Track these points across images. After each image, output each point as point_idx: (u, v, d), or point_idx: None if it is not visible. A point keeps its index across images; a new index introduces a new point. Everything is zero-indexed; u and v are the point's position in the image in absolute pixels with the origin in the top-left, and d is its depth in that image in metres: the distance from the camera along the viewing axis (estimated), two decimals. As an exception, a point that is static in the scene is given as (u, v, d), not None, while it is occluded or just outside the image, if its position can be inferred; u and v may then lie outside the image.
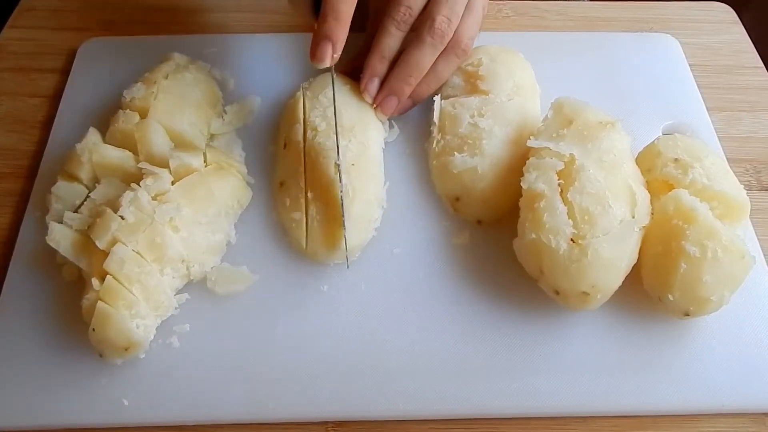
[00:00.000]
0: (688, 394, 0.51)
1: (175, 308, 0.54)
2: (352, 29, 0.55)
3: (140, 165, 0.56)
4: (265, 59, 0.71)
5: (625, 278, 0.52)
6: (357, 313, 0.55)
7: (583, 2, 0.81)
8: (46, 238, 0.53)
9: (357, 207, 0.56)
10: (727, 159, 0.63)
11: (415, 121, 0.65)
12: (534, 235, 0.52)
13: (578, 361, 0.52)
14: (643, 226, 0.52)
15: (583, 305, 0.52)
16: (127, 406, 0.50)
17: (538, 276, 0.53)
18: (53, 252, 0.54)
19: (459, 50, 0.61)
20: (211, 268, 0.56)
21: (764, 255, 0.58)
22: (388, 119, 0.64)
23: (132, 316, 0.50)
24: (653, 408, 0.51)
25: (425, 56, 0.60)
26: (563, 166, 0.53)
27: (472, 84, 0.63)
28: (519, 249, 0.55)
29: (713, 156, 0.56)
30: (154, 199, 0.54)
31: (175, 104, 0.61)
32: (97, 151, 0.58)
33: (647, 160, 0.57)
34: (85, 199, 0.57)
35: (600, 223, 0.51)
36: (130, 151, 0.58)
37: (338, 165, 0.57)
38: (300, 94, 0.63)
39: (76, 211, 0.56)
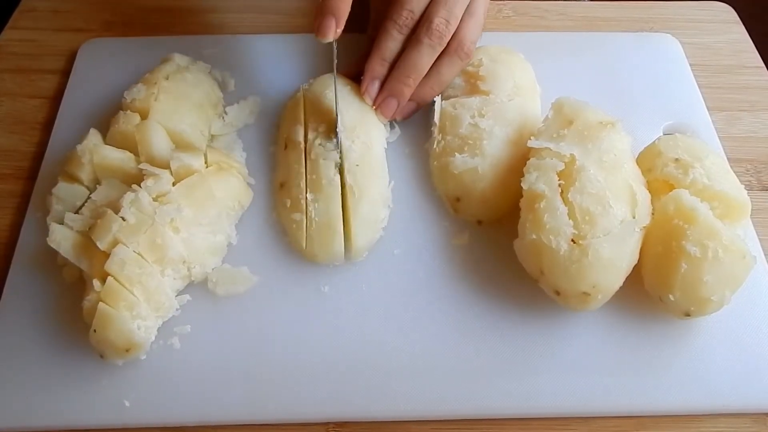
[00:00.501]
0: (689, 394, 0.51)
1: (176, 309, 0.54)
2: (352, 30, 0.55)
3: (141, 166, 0.56)
4: (266, 60, 0.71)
5: (626, 278, 0.52)
6: (358, 313, 0.55)
7: (583, 2, 0.81)
8: (47, 239, 0.53)
9: (363, 207, 0.57)
10: (728, 159, 0.63)
11: (416, 121, 0.65)
12: (534, 236, 0.52)
13: (579, 361, 0.52)
14: (644, 227, 0.52)
15: (584, 306, 0.52)
16: (127, 407, 0.50)
17: (538, 276, 0.53)
18: (54, 253, 0.54)
19: (462, 53, 0.61)
20: (212, 269, 0.56)
21: (765, 255, 0.58)
22: (391, 121, 0.64)
23: (133, 317, 0.50)
24: (654, 408, 0.51)
25: (423, 57, 0.60)
26: (564, 167, 0.53)
27: (473, 84, 0.63)
28: (519, 249, 0.55)
29: (714, 156, 0.56)
30: (154, 200, 0.54)
31: (176, 105, 0.61)
32: (98, 152, 0.58)
33: (648, 160, 0.57)
34: (85, 201, 0.57)
35: (600, 223, 0.51)
36: (130, 152, 0.58)
37: (338, 164, 0.56)
38: (300, 94, 0.63)
39: (76, 213, 0.56)
